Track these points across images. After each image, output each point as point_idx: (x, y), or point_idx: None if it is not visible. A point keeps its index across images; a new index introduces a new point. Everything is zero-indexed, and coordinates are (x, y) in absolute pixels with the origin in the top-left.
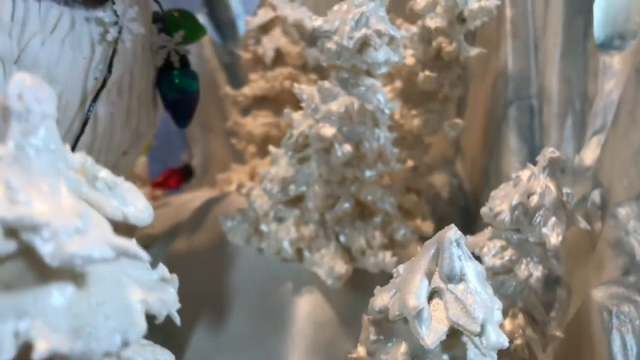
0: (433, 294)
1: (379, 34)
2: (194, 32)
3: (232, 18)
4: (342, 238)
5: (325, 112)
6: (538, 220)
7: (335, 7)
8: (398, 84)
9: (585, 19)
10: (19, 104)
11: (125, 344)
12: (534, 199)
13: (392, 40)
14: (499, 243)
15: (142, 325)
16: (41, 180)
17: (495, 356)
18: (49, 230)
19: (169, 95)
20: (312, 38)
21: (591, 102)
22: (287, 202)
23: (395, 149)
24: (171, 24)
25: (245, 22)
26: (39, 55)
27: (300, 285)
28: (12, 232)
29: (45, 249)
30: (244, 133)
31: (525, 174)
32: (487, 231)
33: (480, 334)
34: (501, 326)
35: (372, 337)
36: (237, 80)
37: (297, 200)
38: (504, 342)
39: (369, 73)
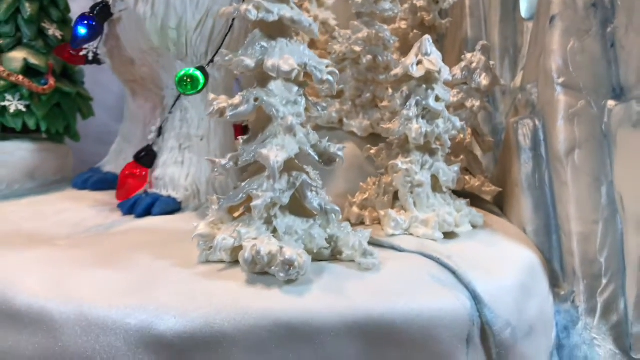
0: (419, 62)
1: None
2: None
3: None
4: (366, 116)
5: (355, 39)
6: (476, 75)
7: None
8: (397, 44)
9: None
10: None
11: None
12: (473, 64)
13: None
14: (455, 90)
15: None
16: None
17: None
18: None
19: None
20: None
21: (520, 49)
22: (332, 97)
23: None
24: None
25: None
26: None
27: (341, 139)
28: None
29: None
30: None
31: (469, 54)
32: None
33: (439, 73)
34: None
35: (389, 93)
36: None
37: (339, 95)
38: (449, 77)
39: (379, 20)
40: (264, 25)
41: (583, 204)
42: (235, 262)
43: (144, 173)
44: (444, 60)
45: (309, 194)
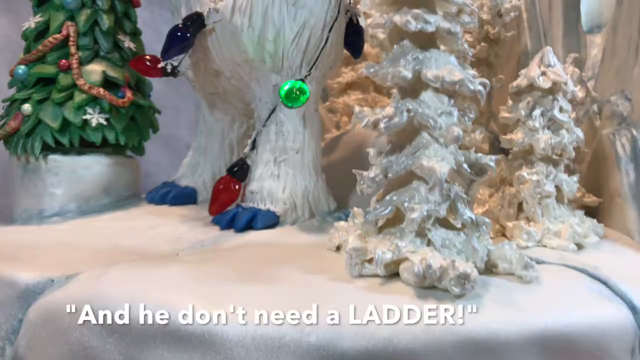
0: (542, 73)
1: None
2: None
3: None
4: None
5: None
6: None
7: None
8: None
9: (576, 12)
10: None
11: None
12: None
13: (472, 12)
14: None
15: None
16: None
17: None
18: None
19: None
20: (382, 45)
21: (584, 62)
22: None
23: None
24: None
25: None
26: (306, 1)
27: None
28: None
29: None
30: (342, 105)
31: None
32: None
33: (565, 84)
34: None
35: (510, 104)
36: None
37: None
38: (575, 89)
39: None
40: (415, 37)
41: None
42: (390, 276)
43: (237, 187)
44: (500, 73)
45: (460, 206)
